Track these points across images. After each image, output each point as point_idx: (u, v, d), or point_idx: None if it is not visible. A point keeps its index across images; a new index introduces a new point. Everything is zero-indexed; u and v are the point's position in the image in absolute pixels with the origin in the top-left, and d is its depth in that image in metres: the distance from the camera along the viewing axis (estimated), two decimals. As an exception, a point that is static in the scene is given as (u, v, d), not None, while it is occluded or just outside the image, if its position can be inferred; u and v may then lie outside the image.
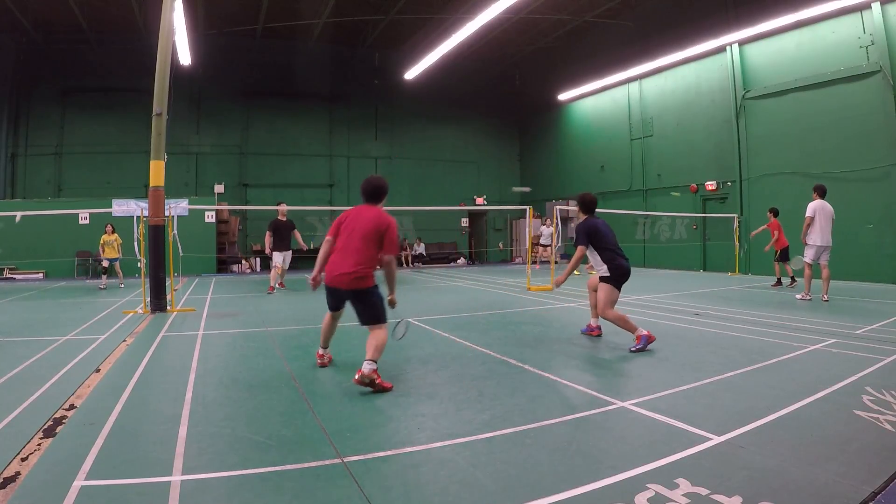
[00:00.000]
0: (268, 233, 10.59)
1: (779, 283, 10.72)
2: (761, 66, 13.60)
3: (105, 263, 11.89)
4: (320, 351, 4.54)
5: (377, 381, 3.69)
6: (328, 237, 4.14)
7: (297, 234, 10.91)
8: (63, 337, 5.82)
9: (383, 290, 4.04)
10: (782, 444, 2.69)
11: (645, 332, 4.95)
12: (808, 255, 8.34)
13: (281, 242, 10.55)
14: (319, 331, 4.51)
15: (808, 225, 8.25)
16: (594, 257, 5.38)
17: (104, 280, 11.95)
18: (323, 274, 4.15)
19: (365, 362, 3.71)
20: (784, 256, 10.65)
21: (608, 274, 5.23)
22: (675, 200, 15.88)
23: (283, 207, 10.83)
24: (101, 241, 11.81)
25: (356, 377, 3.68)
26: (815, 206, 8.26)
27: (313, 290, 4.31)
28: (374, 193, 4.18)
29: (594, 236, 5.35)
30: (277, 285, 10.77)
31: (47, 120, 17.40)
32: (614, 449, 2.69)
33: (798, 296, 8.52)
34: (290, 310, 8.21)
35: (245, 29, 17.79)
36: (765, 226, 11.03)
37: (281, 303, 9.06)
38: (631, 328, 5.02)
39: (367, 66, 20.28)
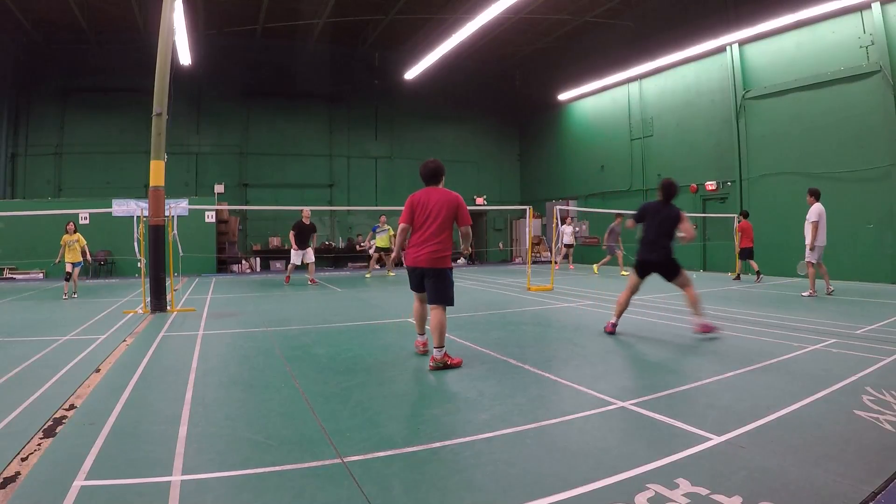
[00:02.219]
0: (291, 232, 12.11)
1: (738, 277, 11.91)
2: (761, 66, 13.60)
3: (68, 269, 9.80)
4: (419, 339, 4.87)
5: (449, 363, 4.31)
6: (403, 224, 4.60)
7: (314, 237, 12.56)
8: (63, 337, 5.82)
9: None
10: (782, 444, 2.69)
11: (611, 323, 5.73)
12: (816, 257, 8.83)
13: (301, 243, 12.10)
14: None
15: (816, 228, 8.64)
16: None
17: (67, 287, 9.87)
18: (402, 255, 4.75)
19: (434, 350, 4.31)
20: (744, 255, 11.92)
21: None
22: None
23: (308, 211, 12.32)
24: (63, 242, 9.79)
25: (430, 364, 4.29)
26: (820, 210, 8.71)
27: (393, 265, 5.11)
28: (435, 175, 4.68)
29: (641, 217, 5.78)
30: (309, 282, 12.20)
31: (47, 120, 17.39)
32: (614, 449, 2.69)
33: (805, 293, 8.94)
34: (291, 310, 8.21)
35: (245, 29, 17.78)
36: (738, 230, 12.15)
37: (281, 303, 9.07)
38: (617, 313, 5.77)
39: (367, 66, 20.27)
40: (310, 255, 12.31)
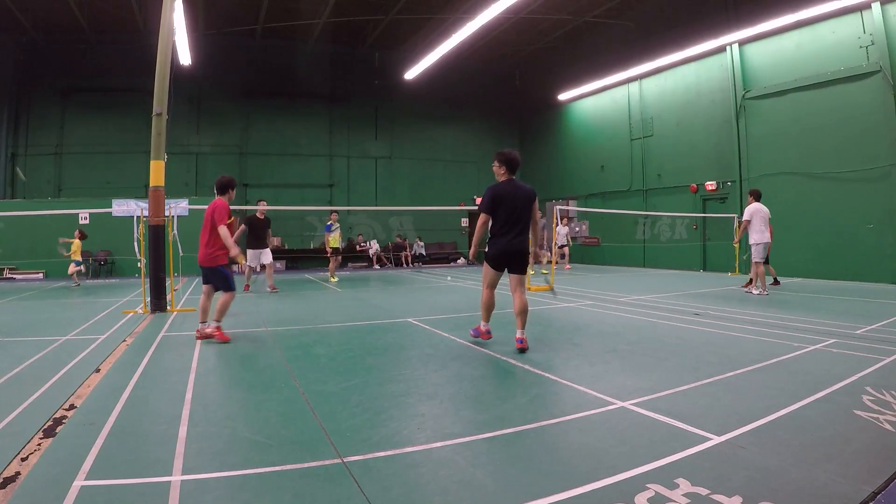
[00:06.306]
0: (241, 227, 10.08)
1: (776, 282, 10.65)
2: (761, 66, 13.60)
3: (82, 268, 12.92)
4: (484, 326, 5.26)
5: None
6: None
7: (270, 234, 10.75)
8: (63, 337, 5.82)
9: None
10: (782, 444, 2.69)
11: (485, 328, 5.21)
12: (758, 255, 9.18)
13: (256, 241, 10.37)
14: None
15: (746, 228, 9.20)
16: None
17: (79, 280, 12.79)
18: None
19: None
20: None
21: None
22: (674, 200, 15.86)
23: (263, 206, 10.61)
24: (73, 248, 12.40)
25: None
26: (754, 210, 9.16)
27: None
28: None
29: (497, 203, 4.87)
30: (269, 288, 10.49)
31: (47, 120, 17.39)
32: (614, 449, 2.69)
33: (755, 291, 9.21)
34: (290, 310, 8.20)
35: (245, 29, 17.79)
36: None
37: (281, 303, 9.06)
38: (484, 318, 5.24)
39: (367, 66, 20.27)
40: (267, 256, 10.48)
